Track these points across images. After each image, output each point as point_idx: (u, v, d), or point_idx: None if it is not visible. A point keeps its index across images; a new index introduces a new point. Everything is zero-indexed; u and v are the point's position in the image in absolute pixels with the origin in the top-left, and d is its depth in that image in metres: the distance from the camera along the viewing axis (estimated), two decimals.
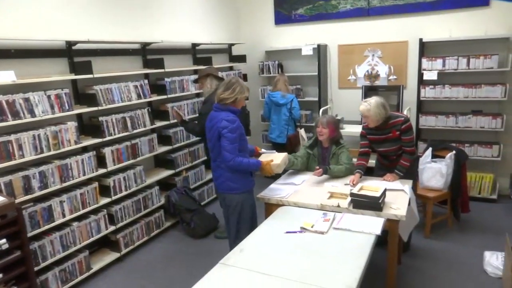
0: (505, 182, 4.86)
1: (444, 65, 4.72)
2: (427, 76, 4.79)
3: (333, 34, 5.59)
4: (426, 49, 4.93)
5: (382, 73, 5.39)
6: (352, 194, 2.83)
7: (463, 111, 4.81)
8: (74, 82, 3.53)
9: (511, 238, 3.00)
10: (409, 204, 2.92)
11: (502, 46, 4.60)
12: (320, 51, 5.44)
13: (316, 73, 5.49)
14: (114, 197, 3.72)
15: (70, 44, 3.44)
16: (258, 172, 3.09)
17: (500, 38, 4.56)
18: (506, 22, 4.56)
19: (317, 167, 3.43)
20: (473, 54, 4.57)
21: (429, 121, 4.94)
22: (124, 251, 3.88)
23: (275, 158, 3.14)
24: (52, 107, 3.11)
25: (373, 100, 3.24)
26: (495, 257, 3.33)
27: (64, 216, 3.28)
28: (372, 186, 2.95)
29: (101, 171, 3.61)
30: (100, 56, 3.77)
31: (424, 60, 4.81)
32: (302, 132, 5.17)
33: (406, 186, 3.15)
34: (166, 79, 4.36)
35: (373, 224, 2.57)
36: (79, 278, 3.45)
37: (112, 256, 3.79)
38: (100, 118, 3.56)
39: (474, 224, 4.22)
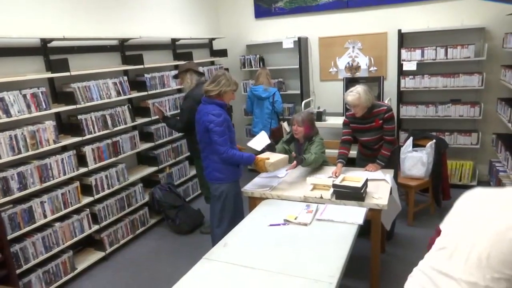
0: (484, 168, 4.97)
1: (423, 55, 4.78)
2: (406, 66, 4.84)
3: (313, 26, 5.60)
4: (405, 40, 4.99)
5: (362, 65, 5.43)
6: (334, 185, 2.85)
7: (442, 100, 4.89)
8: (50, 80, 3.46)
9: None
10: (390, 193, 2.97)
11: (477, 36, 4.68)
12: (301, 44, 5.45)
13: (298, 66, 5.50)
14: (96, 196, 3.68)
15: (45, 41, 3.36)
16: (251, 166, 3.13)
17: (476, 28, 4.64)
18: (481, 13, 4.64)
19: (293, 153, 3.41)
20: (451, 44, 4.64)
21: (409, 111, 5.00)
22: (109, 250, 3.84)
23: (272, 157, 3.14)
24: (28, 106, 3.05)
25: (359, 88, 3.28)
26: None
27: (45, 217, 3.22)
28: (354, 177, 2.98)
29: (82, 170, 3.57)
30: (77, 54, 3.70)
31: (403, 51, 4.86)
32: (285, 125, 5.18)
33: (387, 175, 3.19)
34: (146, 75, 4.31)
35: (356, 214, 2.60)
36: (64, 279, 3.40)
37: (97, 255, 3.76)
38: (79, 117, 3.50)
39: None
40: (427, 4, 4.89)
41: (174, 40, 5.02)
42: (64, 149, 3.48)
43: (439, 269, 1.33)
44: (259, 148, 3.28)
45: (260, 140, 3.31)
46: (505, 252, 1.18)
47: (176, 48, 5.08)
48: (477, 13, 4.66)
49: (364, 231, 2.70)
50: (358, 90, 3.26)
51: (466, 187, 4.76)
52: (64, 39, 3.42)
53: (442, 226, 1.50)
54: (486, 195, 1.40)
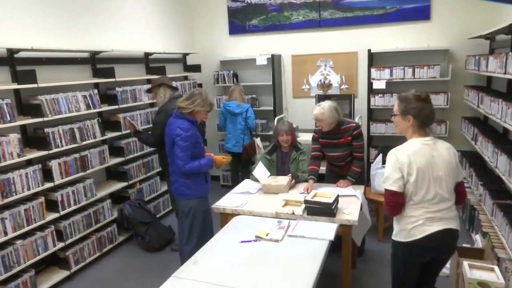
0: None
1: (391, 74, 4.93)
2: (376, 85, 4.98)
3: (286, 44, 5.70)
4: (374, 59, 5.13)
5: (334, 83, 5.53)
6: (306, 201, 2.86)
7: None
8: (16, 92, 3.34)
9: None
10: (361, 209, 3.01)
11: (443, 57, 4.89)
12: (274, 61, 5.52)
13: (271, 83, 5.56)
14: (62, 212, 3.55)
15: (11, 51, 3.26)
16: (215, 167, 3.20)
17: (441, 50, 4.85)
18: (445, 35, 4.87)
19: (290, 174, 3.51)
20: (418, 64, 4.82)
21: (379, 128, 5.13)
22: (74, 268, 3.69)
23: (279, 179, 3.40)
24: None
25: (327, 104, 3.34)
26: None
27: (6, 234, 3.07)
28: (326, 193, 3.01)
29: (48, 185, 3.43)
30: (45, 65, 3.61)
31: (373, 70, 5.00)
32: (258, 141, 5.19)
33: (358, 191, 3.24)
34: (117, 89, 4.23)
35: (327, 230, 2.61)
36: None
37: (61, 274, 3.60)
38: (46, 130, 3.39)
39: None
40: (395, 25, 5.08)
41: (147, 54, 4.99)
42: (29, 163, 3.35)
43: (440, 209, 2.13)
44: (263, 181, 3.41)
45: (261, 173, 3.47)
46: (453, 167, 2.19)
47: (149, 62, 5.04)
48: (442, 35, 4.88)
49: (335, 247, 2.71)
50: (324, 105, 3.33)
51: None
52: (32, 50, 3.33)
53: (409, 187, 2.15)
54: (409, 152, 2.19)
